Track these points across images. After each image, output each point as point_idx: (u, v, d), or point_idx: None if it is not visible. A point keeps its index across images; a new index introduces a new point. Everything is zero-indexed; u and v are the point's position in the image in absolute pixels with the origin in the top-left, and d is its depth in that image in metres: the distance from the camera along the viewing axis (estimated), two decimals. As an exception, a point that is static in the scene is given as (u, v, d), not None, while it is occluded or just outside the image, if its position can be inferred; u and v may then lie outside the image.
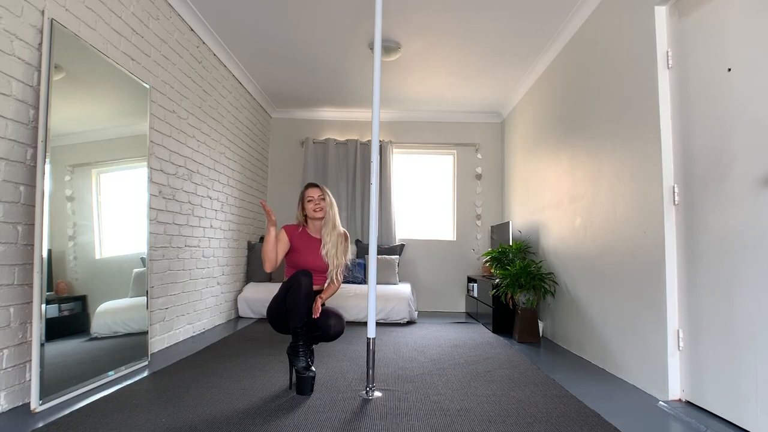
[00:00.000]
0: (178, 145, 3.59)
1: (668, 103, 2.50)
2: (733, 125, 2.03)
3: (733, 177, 2.03)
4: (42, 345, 2.12)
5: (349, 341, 3.72)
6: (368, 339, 2.43)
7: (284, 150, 6.19)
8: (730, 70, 2.06)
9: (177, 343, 3.58)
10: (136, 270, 2.91)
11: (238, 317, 4.91)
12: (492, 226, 5.81)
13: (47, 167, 2.20)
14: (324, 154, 6.04)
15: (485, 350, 3.51)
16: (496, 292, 4.16)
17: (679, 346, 2.37)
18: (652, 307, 2.52)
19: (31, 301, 2.19)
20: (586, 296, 3.36)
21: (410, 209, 6.22)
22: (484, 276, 5.22)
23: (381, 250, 5.65)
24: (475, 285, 5.25)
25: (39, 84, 2.23)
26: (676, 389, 2.37)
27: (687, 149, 2.35)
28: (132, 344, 2.82)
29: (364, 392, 2.39)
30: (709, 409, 2.17)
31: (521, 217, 5.10)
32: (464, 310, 5.93)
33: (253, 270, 5.24)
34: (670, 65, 2.49)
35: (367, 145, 6.03)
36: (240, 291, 5.07)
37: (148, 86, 3.06)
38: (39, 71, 2.24)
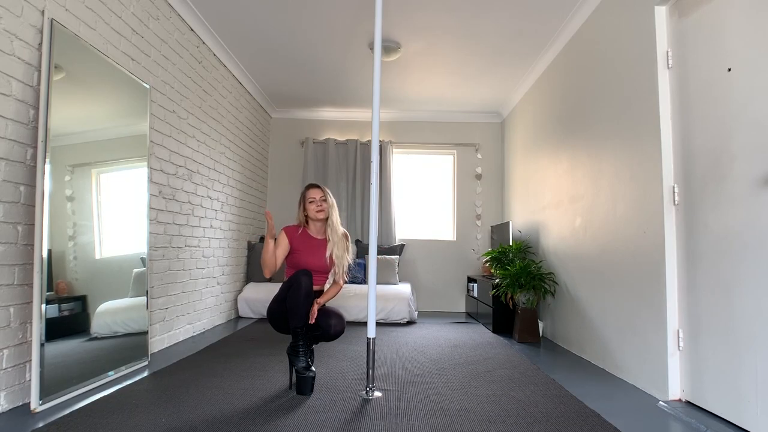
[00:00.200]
0: (178, 145, 3.59)
1: (668, 103, 2.50)
2: (733, 125, 2.03)
3: (733, 177, 2.03)
4: (42, 345, 2.12)
5: (349, 341, 3.72)
6: (368, 339, 2.43)
7: (284, 150, 6.19)
8: (730, 70, 2.06)
9: (177, 343, 3.59)
10: (136, 270, 2.91)
11: (238, 317, 4.91)
12: (492, 226, 5.81)
13: (47, 167, 2.20)
14: (324, 154, 6.03)
15: (485, 350, 3.51)
16: (496, 292, 4.16)
17: (679, 346, 2.37)
18: (652, 307, 2.52)
19: (31, 301, 2.19)
20: (586, 296, 3.36)
21: (410, 209, 6.22)
22: (484, 276, 5.22)
23: (381, 250, 5.65)
24: (475, 285, 5.25)
25: (39, 84, 2.23)
26: (676, 389, 2.37)
27: (687, 149, 2.35)
28: (132, 344, 2.82)
29: (364, 392, 2.39)
30: (709, 409, 2.17)
31: (521, 217, 5.10)
32: (464, 310, 5.93)
33: (253, 270, 5.23)
34: (670, 65, 2.49)
35: (367, 145, 6.03)
36: (240, 291, 5.07)
37: (148, 86, 3.06)
38: (39, 71, 2.24)
